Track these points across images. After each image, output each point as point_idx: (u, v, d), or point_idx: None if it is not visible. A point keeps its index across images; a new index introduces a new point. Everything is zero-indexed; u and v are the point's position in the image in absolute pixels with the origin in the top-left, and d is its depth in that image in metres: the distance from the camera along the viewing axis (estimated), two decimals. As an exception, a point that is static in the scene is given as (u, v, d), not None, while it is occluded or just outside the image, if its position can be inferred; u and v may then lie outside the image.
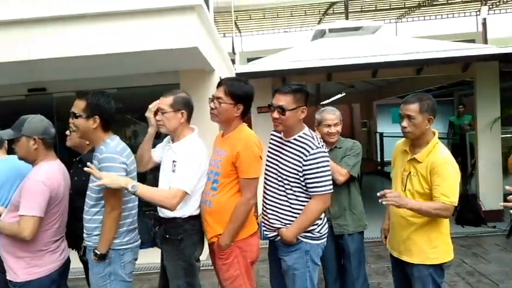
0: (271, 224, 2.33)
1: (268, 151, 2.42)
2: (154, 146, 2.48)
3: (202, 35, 4.05)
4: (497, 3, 12.74)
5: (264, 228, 2.38)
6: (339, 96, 8.83)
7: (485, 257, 4.42)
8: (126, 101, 5.38)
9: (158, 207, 2.28)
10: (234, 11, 10.92)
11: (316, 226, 2.29)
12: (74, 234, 2.41)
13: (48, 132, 2.25)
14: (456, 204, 2.18)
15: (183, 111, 2.27)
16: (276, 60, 5.52)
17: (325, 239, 2.38)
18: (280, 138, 2.36)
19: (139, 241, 2.34)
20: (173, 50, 3.55)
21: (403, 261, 2.35)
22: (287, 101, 2.19)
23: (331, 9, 12.36)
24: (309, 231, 2.27)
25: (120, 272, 2.17)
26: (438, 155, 2.23)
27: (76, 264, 2.57)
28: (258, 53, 10.95)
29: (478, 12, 12.52)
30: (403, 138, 2.44)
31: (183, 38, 3.52)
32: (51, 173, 2.19)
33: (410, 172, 2.30)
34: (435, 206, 2.16)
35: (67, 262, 2.38)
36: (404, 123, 2.25)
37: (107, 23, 3.38)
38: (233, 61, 10.41)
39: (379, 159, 10.35)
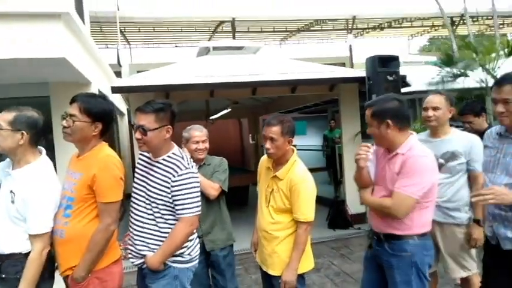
0: (138, 251, 2.18)
1: (136, 172, 2.28)
2: None
3: (72, 45, 3.81)
4: (361, 33, 14.75)
5: (130, 256, 2.23)
6: (225, 111, 9.08)
7: (350, 257, 4.91)
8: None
9: None
10: (120, 22, 10.50)
11: (185, 249, 2.17)
12: None
13: None
14: (312, 220, 2.31)
15: (24, 132, 1.99)
16: (158, 75, 5.45)
17: (197, 261, 2.27)
18: (149, 158, 2.24)
19: None
20: (37, 59, 3.28)
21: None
22: (148, 121, 2.07)
23: (220, 28, 12.76)
24: (178, 255, 2.14)
25: None
26: (296, 172, 2.33)
27: None
28: (149, 65, 10.59)
29: (346, 39, 14.18)
30: (266, 155, 2.54)
31: (48, 47, 3.27)
32: None
33: (273, 189, 2.38)
34: (299, 241, 2.29)
35: None
36: (268, 145, 2.32)
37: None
38: (119, 73, 10.00)
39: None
